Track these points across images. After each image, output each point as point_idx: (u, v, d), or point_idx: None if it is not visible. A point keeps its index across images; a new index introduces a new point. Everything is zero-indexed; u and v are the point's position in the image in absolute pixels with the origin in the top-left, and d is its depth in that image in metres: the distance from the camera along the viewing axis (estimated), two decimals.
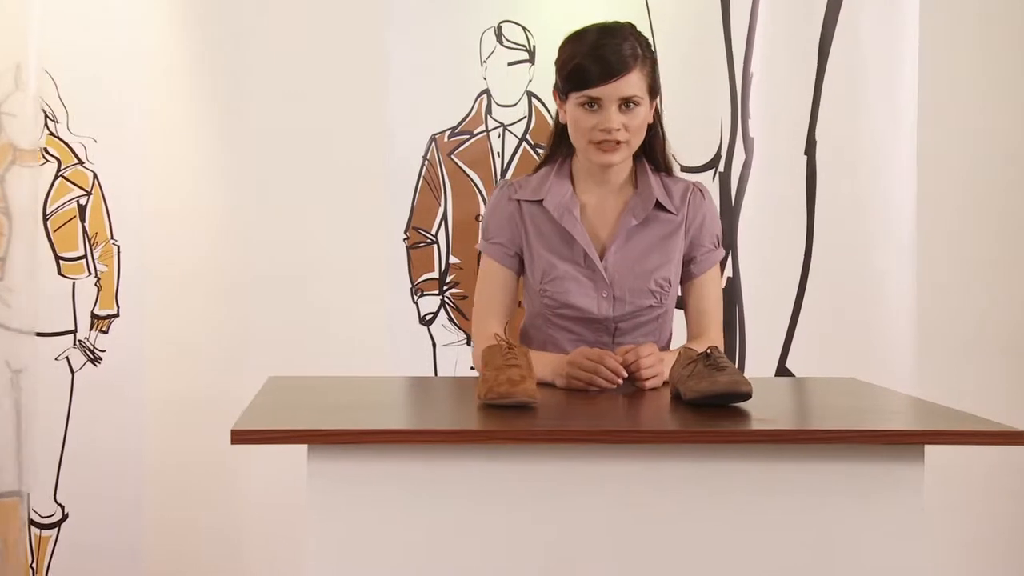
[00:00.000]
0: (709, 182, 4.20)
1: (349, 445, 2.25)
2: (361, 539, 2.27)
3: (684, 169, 4.13)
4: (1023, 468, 4.33)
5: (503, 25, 4.16)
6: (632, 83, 2.86)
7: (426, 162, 4.16)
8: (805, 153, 4.27)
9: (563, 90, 2.94)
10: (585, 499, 2.28)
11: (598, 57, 2.86)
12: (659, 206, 2.99)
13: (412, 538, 2.27)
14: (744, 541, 2.28)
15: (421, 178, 4.16)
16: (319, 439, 2.24)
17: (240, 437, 2.22)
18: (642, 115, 2.90)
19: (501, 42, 4.15)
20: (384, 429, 2.30)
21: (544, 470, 2.27)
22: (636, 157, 3.01)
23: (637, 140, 2.93)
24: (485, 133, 4.17)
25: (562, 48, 2.97)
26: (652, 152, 3.04)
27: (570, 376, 2.78)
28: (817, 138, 4.25)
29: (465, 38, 4.16)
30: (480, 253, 3.10)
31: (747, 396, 2.48)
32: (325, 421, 2.37)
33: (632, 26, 2.96)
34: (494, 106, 4.17)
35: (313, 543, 2.26)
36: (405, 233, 4.16)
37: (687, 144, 4.17)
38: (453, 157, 4.17)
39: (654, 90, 2.95)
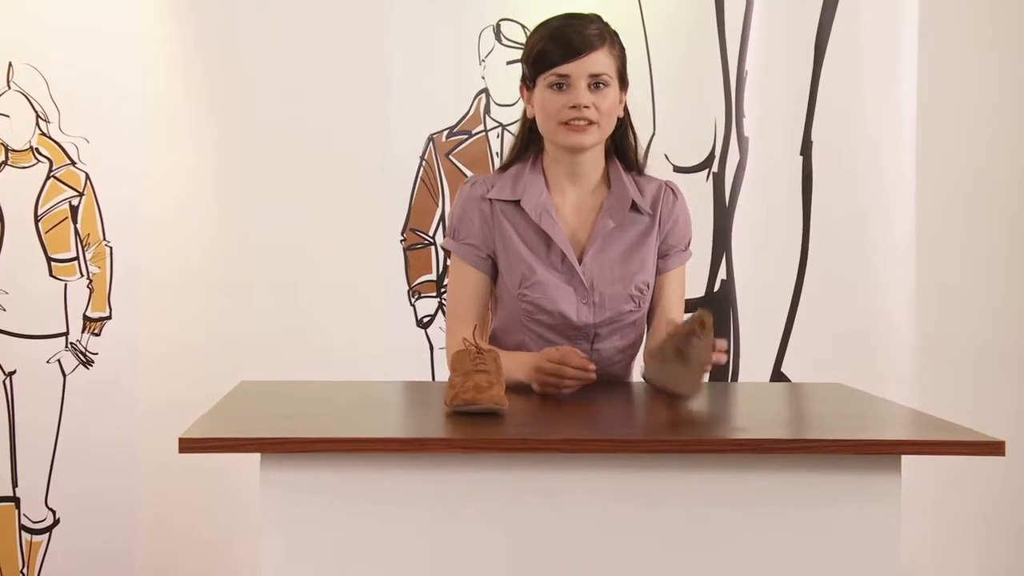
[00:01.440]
0: (703, 183, 4.18)
1: (303, 454, 2.17)
2: (316, 551, 2.19)
3: (677, 170, 4.12)
4: None
5: (502, 23, 4.13)
6: (600, 61, 2.81)
7: (423, 162, 4.13)
8: (801, 153, 4.25)
9: (531, 76, 2.87)
10: (548, 510, 2.22)
11: (565, 36, 2.82)
12: (634, 207, 2.94)
13: (369, 551, 2.20)
14: (714, 551, 2.23)
15: (418, 179, 4.13)
16: (270, 447, 2.17)
17: (187, 445, 2.16)
18: (612, 97, 2.84)
19: (500, 40, 4.12)
20: (336, 437, 2.19)
21: (506, 480, 2.21)
22: (607, 156, 2.97)
23: (608, 124, 2.87)
24: (484, 133, 4.15)
25: (528, 39, 2.94)
26: (623, 151, 2.98)
27: (540, 383, 2.75)
28: (813, 138, 4.24)
29: (463, 36, 4.14)
30: (448, 252, 3.00)
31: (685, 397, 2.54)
32: (280, 428, 2.29)
33: (598, 16, 2.92)
34: (493, 105, 4.14)
35: (267, 556, 2.19)
36: (402, 234, 4.14)
37: (680, 144, 4.17)
38: (451, 157, 4.14)
39: (623, 78, 2.89)
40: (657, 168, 4.05)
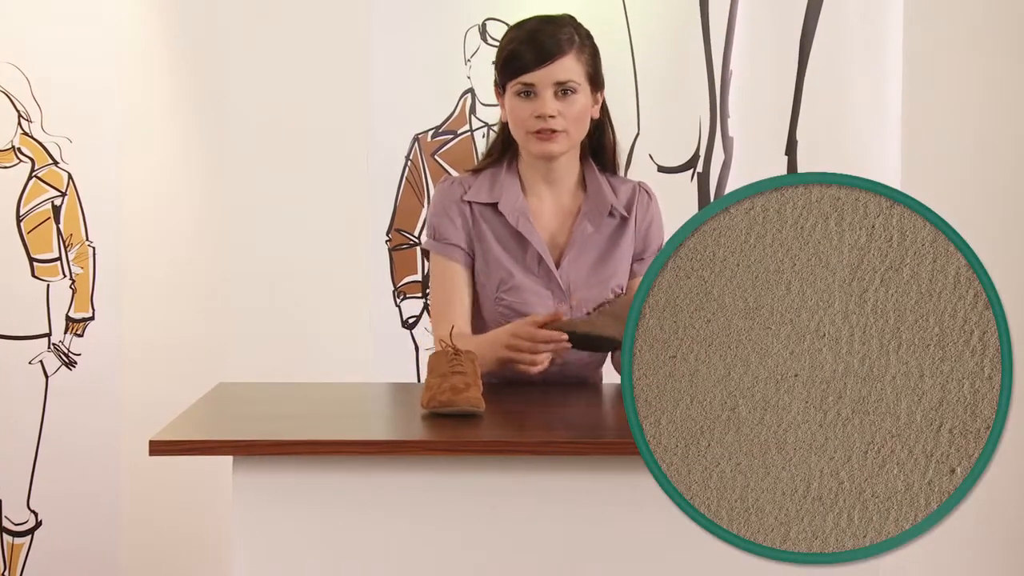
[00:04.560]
0: (687, 183, 4.18)
1: (276, 456, 2.16)
2: (290, 556, 2.18)
3: (662, 170, 4.12)
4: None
5: (488, 23, 4.11)
6: (567, 67, 2.79)
7: (409, 162, 4.12)
8: (786, 153, 4.25)
9: (501, 82, 2.86)
10: (526, 512, 2.20)
11: (532, 42, 2.79)
12: (611, 212, 2.93)
13: (343, 555, 2.18)
14: (693, 552, 2.20)
15: (404, 179, 4.12)
16: (241, 450, 2.15)
17: (158, 448, 2.14)
18: (580, 103, 2.82)
19: (486, 40, 4.11)
20: (308, 440, 2.18)
21: (483, 482, 2.20)
22: (583, 158, 2.95)
23: (577, 131, 2.85)
24: (469, 133, 4.14)
25: (501, 40, 2.90)
26: (601, 152, 2.97)
27: (513, 357, 2.75)
28: (798, 138, 4.23)
29: (449, 36, 4.12)
30: (427, 252, 2.99)
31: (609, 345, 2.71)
32: (253, 431, 2.28)
33: (572, 17, 2.89)
34: (478, 105, 4.13)
35: (240, 560, 2.18)
36: (387, 235, 4.12)
37: (665, 144, 4.16)
38: (436, 157, 4.12)
39: (596, 81, 2.87)
40: (641, 168, 4.07)
